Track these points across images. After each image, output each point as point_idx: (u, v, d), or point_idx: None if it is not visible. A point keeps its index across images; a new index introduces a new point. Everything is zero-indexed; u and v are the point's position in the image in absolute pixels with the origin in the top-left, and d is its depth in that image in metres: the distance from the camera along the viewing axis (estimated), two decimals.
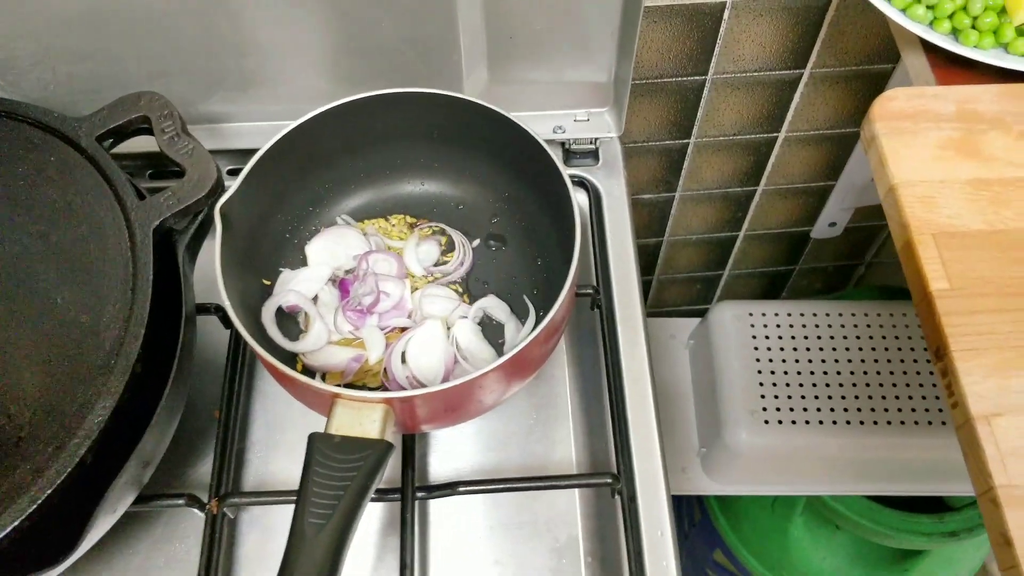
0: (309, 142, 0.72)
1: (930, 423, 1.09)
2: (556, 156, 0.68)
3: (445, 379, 0.70)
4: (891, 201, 0.60)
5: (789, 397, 1.11)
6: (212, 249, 0.68)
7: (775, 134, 1.16)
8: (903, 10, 0.70)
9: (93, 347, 0.58)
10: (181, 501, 0.67)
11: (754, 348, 1.14)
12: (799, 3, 0.94)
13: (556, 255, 0.75)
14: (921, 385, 1.12)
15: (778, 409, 1.10)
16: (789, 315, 1.17)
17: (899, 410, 1.10)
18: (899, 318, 1.18)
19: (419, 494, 0.68)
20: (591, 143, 0.87)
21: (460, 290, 0.77)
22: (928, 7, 0.69)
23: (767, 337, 1.15)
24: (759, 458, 1.11)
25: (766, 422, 1.09)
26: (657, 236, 1.37)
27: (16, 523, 0.51)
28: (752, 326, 1.16)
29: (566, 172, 0.67)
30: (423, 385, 0.69)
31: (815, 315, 1.17)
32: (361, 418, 0.57)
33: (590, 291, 0.78)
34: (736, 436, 1.09)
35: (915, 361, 1.14)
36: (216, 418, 0.72)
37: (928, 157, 0.61)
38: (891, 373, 1.13)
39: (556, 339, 0.69)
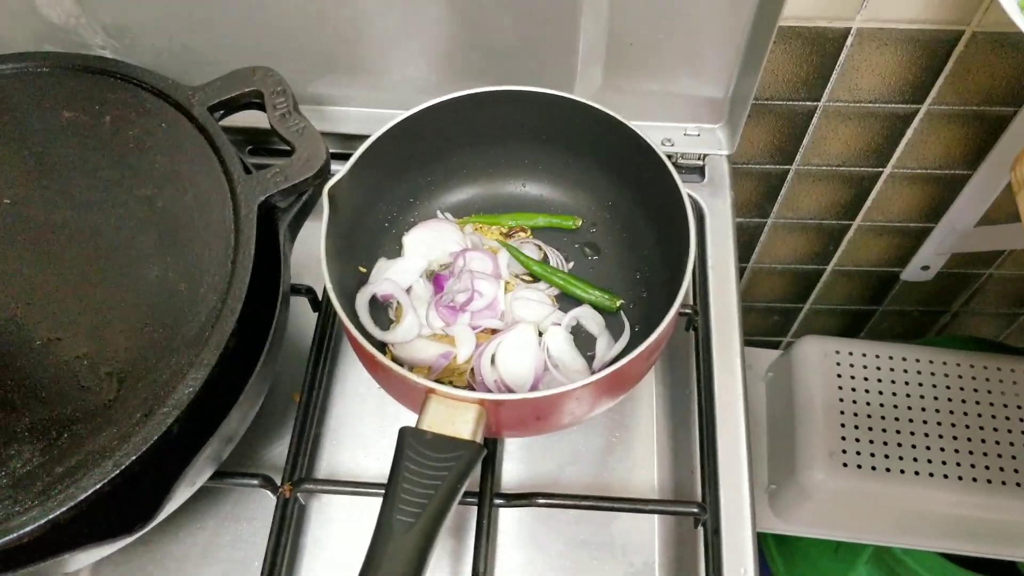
0: (418, 133, 0.70)
1: (1019, 484, 1.04)
2: (674, 170, 0.65)
3: (534, 386, 0.68)
4: None
5: (871, 442, 1.06)
6: (308, 231, 0.68)
7: (880, 169, 1.12)
8: None
9: (189, 317, 0.57)
10: (255, 482, 0.66)
11: (838, 388, 1.10)
12: (927, 36, 0.90)
13: (658, 270, 0.72)
14: (1012, 444, 1.07)
15: (858, 453, 1.06)
16: (877, 356, 1.13)
17: (987, 468, 1.05)
18: (993, 372, 1.13)
19: (497, 501, 0.66)
20: (699, 159, 0.84)
21: (553, 297, 0.74)
22: None
23: (852, 377, 1.11)
24: (832, 501, 1.07)
25: (844, 465, 1.05)
26: (742, 262, 1.34)
27: (98, 486, 0.50)
28: (838, 364, 1.12)
29: (683, 187, 0.65)
30: (510, 389, 0.67)
31: (904, 359, 1.13)
32: (454, 417, 0.55)
33: (688, 311, 0.75)
34: (811, 476, 1.05)
35: (1007, 419, 1.09)
36: (295, 401, 0.71)
37: None
38: (981, 428, 1.08)
39: (655, 359, 0.66)
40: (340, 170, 0.65)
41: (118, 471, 0.50)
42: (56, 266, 0.60)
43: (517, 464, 0.73)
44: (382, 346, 0.70)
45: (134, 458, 0.51)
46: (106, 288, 0.59)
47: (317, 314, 0.75)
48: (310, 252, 0.69)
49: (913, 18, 0.88)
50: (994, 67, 0.95)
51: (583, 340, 0.72)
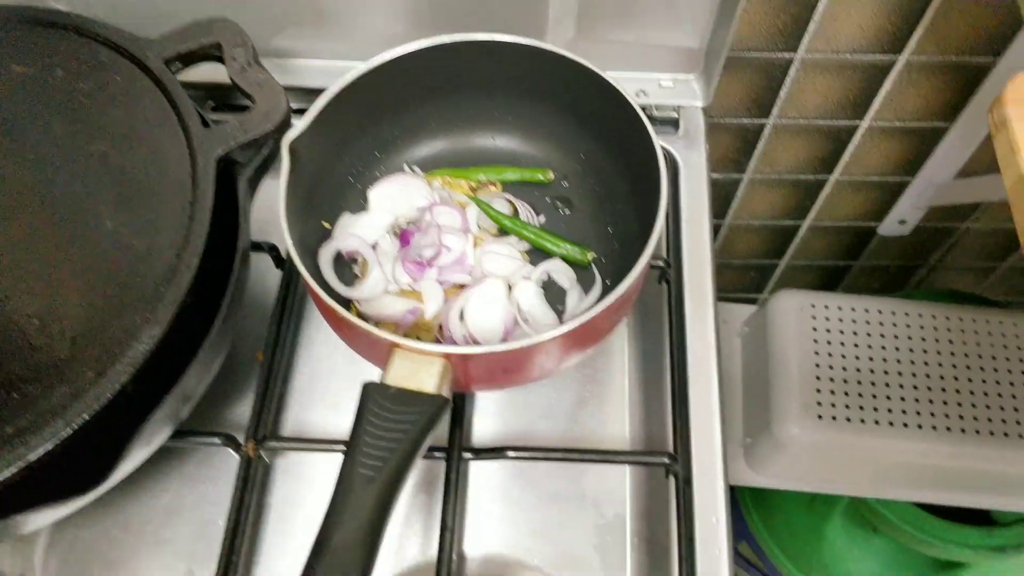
0: (382, 85, 0.68)
1: (991, 433, 1.05)
2: (647, 120, 0.64)
3: (504, 341, 0.67)
4: (1020, 191, 0.55)
5: (846, 394, 1.06)
6: (270, 187, 0.66)
7: (858, 122, 1.11)
8: None
9: (144, 273, 0.55)
10: (217, 440, 0.65)
11: (814, 341, 1.10)
12: None
13: (631, 224, 0.71)
14: (986, 394, 1.07)
15: (833, 405, 1.06)
16: (853, 309, 1.12)
17: (960, 417, 1.05)
18: (968, 324, 1.12)
19: (466, 455, 0.66)
20: (673, 111, 0.83)
21: (524, 252, 0.73)
22: None
23: (828, 331, 1.11)
24: (807, 454, 1.07)
25: (819, 417, 1.05)
26: (718, 218, 1.33)
27: (49, 446, 0.48)
28: (814, 318, 1.11)
29: (657, 139, 0.63)
30: (479, 344, 0.66)
31: (880, 312, 1.12)
32: (419, 370, 0.54)
33: (661, 264, 0.74)
34: (786, 429, 1.05)
35: (981, 369, 1.09)
36: (258, 360, 0.70)
37: None
38: (955, 379, 1.08)
39: (624, 311, 0.65)
40: (300, 123, 0.63)
41: (70, 430, 0.49)
42: (6, 224, 0.58)
43: (490, 420, 0.72)
44: (347, 303, 0.69)
45: (86, 417, 0.49)
46: (58, 246, 0.57)
47: (281, 272, 0.73)
48: (273, 208, 0.67)
49: None
50: (973, 15, 0.94)
51: (554, 295, 0.71)
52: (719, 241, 1.40)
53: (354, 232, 0.70)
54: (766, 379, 1.09)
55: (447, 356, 0.55)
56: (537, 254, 0.73)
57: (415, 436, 0.51)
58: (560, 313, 0.70)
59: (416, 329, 0.68)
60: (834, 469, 1.09)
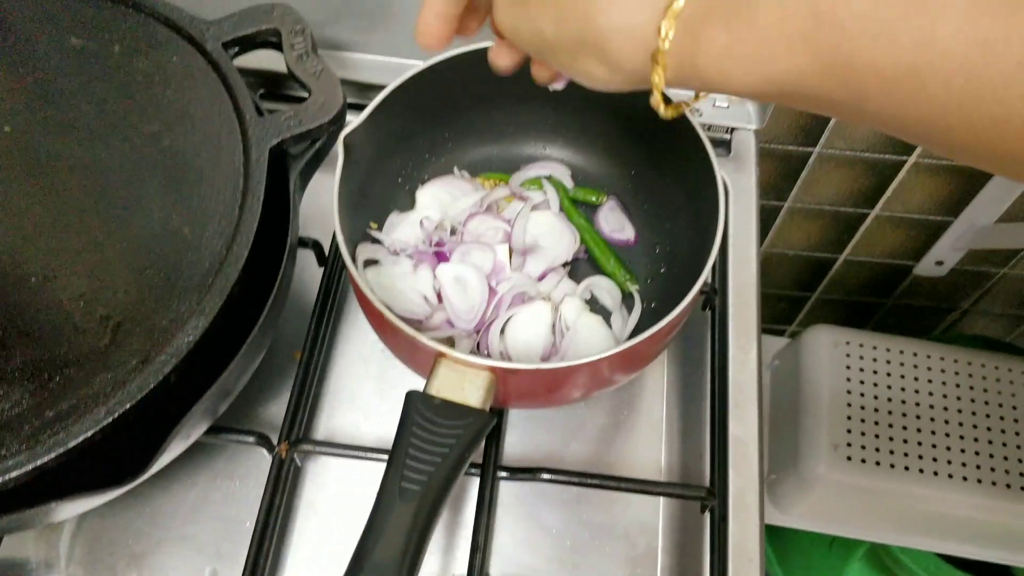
0: (438, 86, 0.67)
1: (1023, 488, 1.03)
2: (708, 142, 0.62)
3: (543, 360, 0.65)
4: None
5: (876, 436, 1.04)
6: (317, 181, 0.65)
7: (905, 157, 1.09)
8: None
9: (191, 262, 0.54)
10: (251, 439, 0.63)
11: (846, 379, 1.08)
12: None
13: (680, 246, 0.69)
14: (1019, 447, 1.05)
15: (863, 447, 1.04)
16: (888, 350, 1.10)
17: (992, 469, 1.03)
18: (1004, 373, 1.11)
19: (501, 473, 0.64)
20: (726, 133, 0.81)
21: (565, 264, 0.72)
22: None
23: (861, 370, 1.09)
24: (832, 495, 1.05)
25: (848, 458, 1.03)
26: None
27: (89, 434, 0.47)
28: (848, 355, 1.09)
29: (716, 162, 0.62)
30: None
31: (915, 355, 1.10)
32: (464, 382, 0.52)
33: (707, 290, 0.73)
34: (813, 468, 1.03)
35: (1016, 421, 1.07)
36: (295, 360, 0.69)
37: None
38: (988, 430, 1.06)
39: (671, 337, 0.64)
40: (356, 119, 0.62)
41: (111, 419, 0.47)
42: (55, 200, 0.57)
43: (520, 436, 0.70)
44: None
45: (128, 406, 0.48)
46: (106, 227, 0.56)
47: (323, 269, 0.72)
48: (318, 203, 0.66)
49: None
50: None
51: (595, 311, 0.70)
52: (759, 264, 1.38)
53: (398, 235, 0.69)
54: (795, 415, 1.07)
55: (493, 370, 0.53)
56: (581, 273, 0.72)
57: (460, 451, 0.49)
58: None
59: (453, 339, 0.66)
60: (858, 512, 1.07)
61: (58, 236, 0.55)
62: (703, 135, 0.63)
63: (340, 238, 0.57)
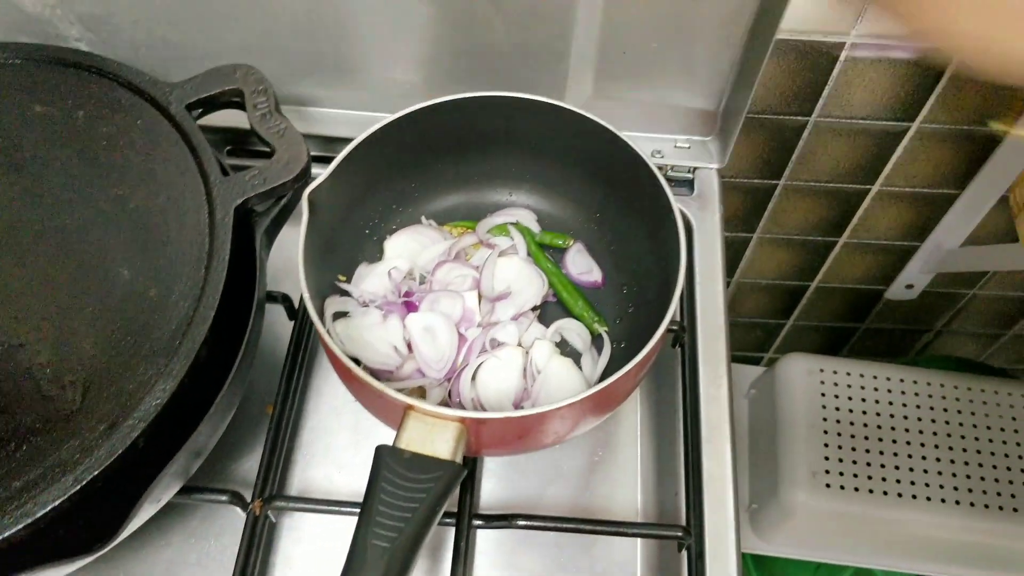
0: (403, 138, 0.68)
1: (1001, 508, 1.03)
2: (666, 184, 0.64)
3: (515, 407, 0.66)
4: None
5: (854, 462, 1.05)
6: (285, 234, 0.65)
7: (868, 186, 1.11)
8: None
9: (158, 324, 0.55)
10: (224, 498, 0.63)
11: (822, 406, 1.09)
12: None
13: (646, 286, 0.70)
14: (995, 467, 1.06)
15: (841, 474, 1.04)
16: (862, 375, 1.11)
17: (969, 490, 1.04)
18: (976, 393, 1.12)
19: (476, 522, 0.64)
20: (688, 172, 0.82)
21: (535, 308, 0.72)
22: None
23: (836, 396, 1.10)
24: (813, 522, 1.06)
25: (827, 485, 1.03)
26: (727, 276, 1.32)
27: (57, 503, 0.47)
28: (822, 383, 1.10)
29: (676, 203, 0.63)
30: (486, 410, 0.65)
31: (889, 379, 1.12)
32: (433, 435, 0.53)
33: (675, 328, 0.73)
34: (793, 496, 1.04)
35: (990, 441, 1.08)
36: (268, 413, 0.69)
37: None
38: (964, 451, 1.07)
39: (642, 376, 0.64)
40: (321, 174, 0.63)
41: (79, 487, 0.48)
42: (21, 267, 0.57)
43: (497, 482, 0.71)
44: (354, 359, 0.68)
45: (96, 473, 0.48)
46: (73, 291, 0.56)
47: (293, 322, 0.72)
48: (287, 257, 0.66)
49: (908, 34, 0.87)
50: (986, 86, 0.94)
51: (566, 353, 0.70)
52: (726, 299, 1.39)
53: (367, 286, 0.69)
54: (773, 444, 1.08)
55: (463, 420, 0.54)
56: (551, 316, 0.72)
57: (431, 505, 0.50)
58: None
59: (423, 388, 0.67)
60: (840, 538, 1.08)
61: (25, 303, 0.55)
62: (660, 176, 0.64)
63: (306, 296, 0.58)
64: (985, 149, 1.04)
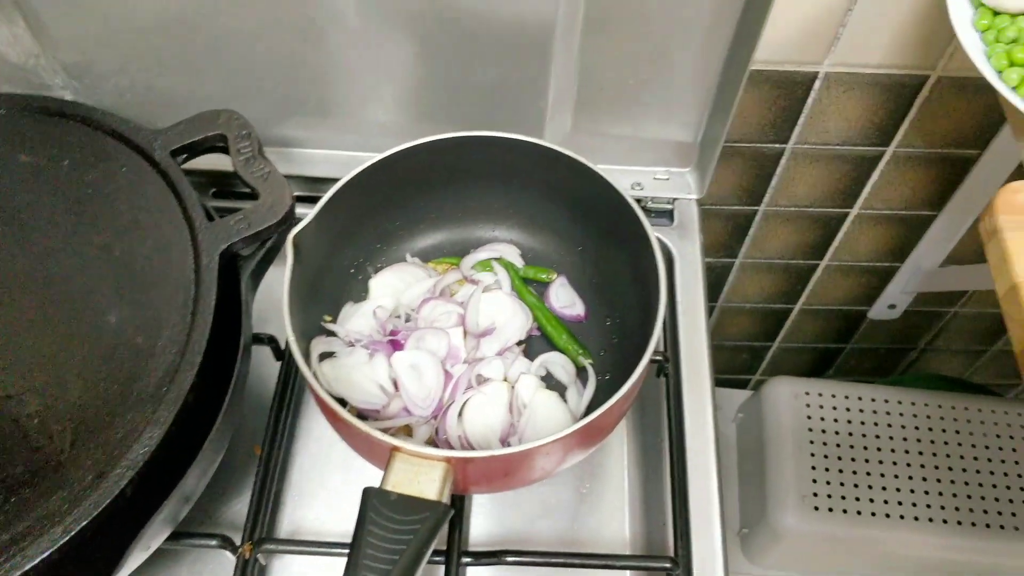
0: (386, 178, 0.69)
1: (987, 525, 1.04)
2: (643, 215, 0.65)
3: (501, 443, 0.66)
4: (1013, 300, 0.56)
5: (841, 484, 1.06)
6: (271, 275, 0.66)
7: (847, 210, 1.13)
8: None
9: (145, 372, 0.55)
10: (213, 542, 0.63)
11: (808, 429, 1.10)
12: (893, 80, 0.91)
13: (629, 317, 0.71)
14: (980, 485, 1.07)
15: (829, 496, 1.05)
16: (847, 397, 1.13)
17: (956, 509, 1.05)
18: (960, 411, 1.13)
19: (464, 559, 0.64)
20: (668, 203, 0.84)
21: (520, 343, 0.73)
22: None
23: (822, 419, 1.11)
24: (803, 544, 1.06)
25: (816, 508, 1.04)
26: (711, 301, 1.33)
27: (46, 555, 0.47)
28: (808, 405, 1.11)
29: (653, 234, 0.64)
30: (473, 447, 0.66)
31: (873, 400, 1.13)
32: (419, 475, 0.53)
33: (659, 358, 0.74)
34: (782, 520, 1.04)
35: (975, 459, 1.09)
36: (256, 455, 0.69)
37: None
38: (949, 469, 1.08)
39: (627, 408, 0.65)
40: (306, 216, 0.64)
41: (68, 537, 0.48)
42: (8, 318, 0.57)
43: (485, 519, 0.71)
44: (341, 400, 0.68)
45: (85, 523, 0.48)
46: (60, 341, 0.56)
47: (280, 363, 0.73)
48: (273, 298, 0.67)
49: (880, 63, 0.89)
50: (959, 111, 0.96)
51: (551, 387, 0.71)
52: (711, 323, 1.40)
53: (352, 326, 0.70)
54: (761, 468, 1.08)
55: (448, 460, 0.54)
56: (536, 349, 0.73)
57: (419, 545, 0.50)
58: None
59: (410, 427, 0.67)
60: (830, 560, 1.08)
61: (12, 354, 0.56)
62: (637, 208, 0.65)
63: (291, 339, 0.58)
64: (960, 171, 1.06)
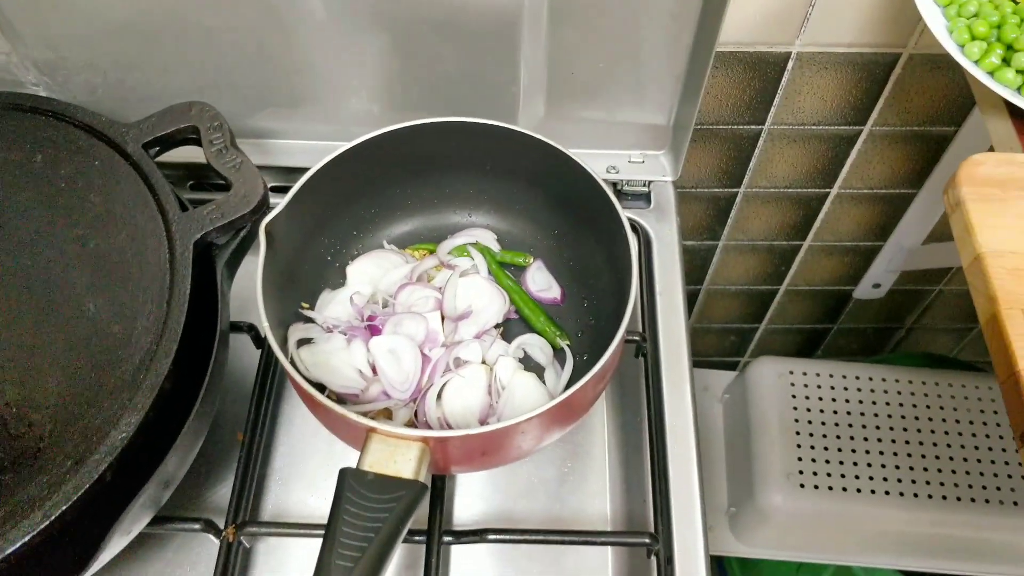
0: (359, 165, 0.70)
1: (972, 500, 1.05)
2: (614, 197, 0.65)
3: (480, 424, 0.67)
4: (977, 271, 0.56)
5: (827, 462, 1.07)
6: (249, 265, 0.67)
7: (827, 190, 1.13)
8: (991, 73, 0.67)
9: (122, 359, 0.56)
10: (197, 526, 0.64)
11: (793, 408, 1.10)
12: (866, 59, 0.92)
13: (606, 298, 0.72)
14: (965, 460, 1.08)
15: (815, 473, 1.06)
16: (831, 376, 1.13)
17: (941, 484, 1.06)
18: (945, 388, 1.14)
19: (446, 538, 0.65)
20: (644, 186, 0.84)
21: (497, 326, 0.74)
22: (1018, 71, 0.66)
23: (807, 397, 1.12)
24: (791, 523, 1.07)
25: (802, 486, 1.05)
26: (696, 284, 1.34)
27: (26, 539, 0.48)
28: (792, 384, 1.12)
29: (624, 215, 0.64)
30: (452, 428, 0.66)
31: (858, 378, 1.13)
32: (396, 455, 0.54)
33: (636, 338, 0.75)
34: (769, 498, 1.05)
35: (960, 435, 1.10)
36: (239, 441, 0.70)
37: (1019, 227, 0.57)
38: (934, 445, 1.09)
39: (602, 388, 0.66)
40: (277, 205, 0.64)
41: (47, 522, 0.48)
42: None
43: (470, 499, 0.72)
44: (320, 385, 0.69)
45: (64, 508, 0.49)
46: (37, 331, 0.57)
47: (260, 351, 0.74)
48: (252, 287, 0.67)
49: (851, 42, 0.90)
50: (933, 88, 0.97)
51: (530, 368, 0.72)
52: (697, 306, 1.41)
53: (329, 312, 0.71)
54: (748, 448, 1.09)
55: (424, 440, 0.55)
56: (514, 331, 0.74)
57: (394, 524, 0.51)
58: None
59: (390, 410, 0.68)
60: (818, 537, 1.09)
61: None
62: (608, 191, 0.66)
63: (265, 326, 0.59)
64: (937, 149, 1.07)
